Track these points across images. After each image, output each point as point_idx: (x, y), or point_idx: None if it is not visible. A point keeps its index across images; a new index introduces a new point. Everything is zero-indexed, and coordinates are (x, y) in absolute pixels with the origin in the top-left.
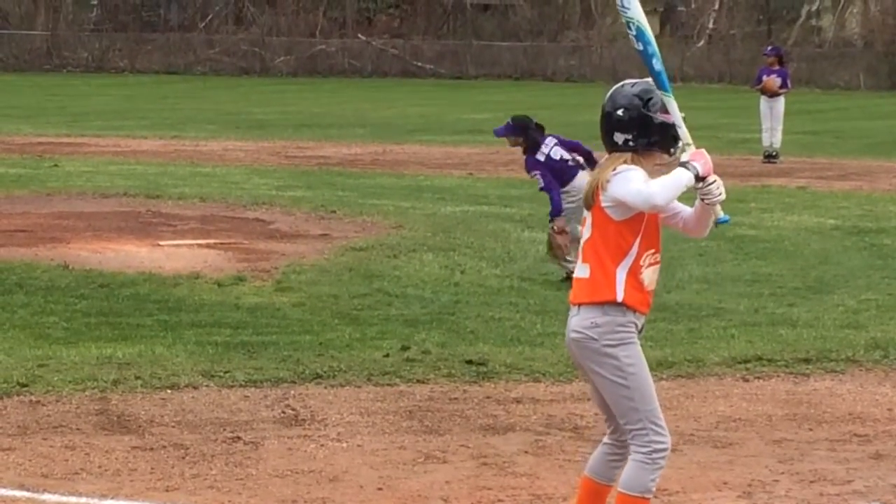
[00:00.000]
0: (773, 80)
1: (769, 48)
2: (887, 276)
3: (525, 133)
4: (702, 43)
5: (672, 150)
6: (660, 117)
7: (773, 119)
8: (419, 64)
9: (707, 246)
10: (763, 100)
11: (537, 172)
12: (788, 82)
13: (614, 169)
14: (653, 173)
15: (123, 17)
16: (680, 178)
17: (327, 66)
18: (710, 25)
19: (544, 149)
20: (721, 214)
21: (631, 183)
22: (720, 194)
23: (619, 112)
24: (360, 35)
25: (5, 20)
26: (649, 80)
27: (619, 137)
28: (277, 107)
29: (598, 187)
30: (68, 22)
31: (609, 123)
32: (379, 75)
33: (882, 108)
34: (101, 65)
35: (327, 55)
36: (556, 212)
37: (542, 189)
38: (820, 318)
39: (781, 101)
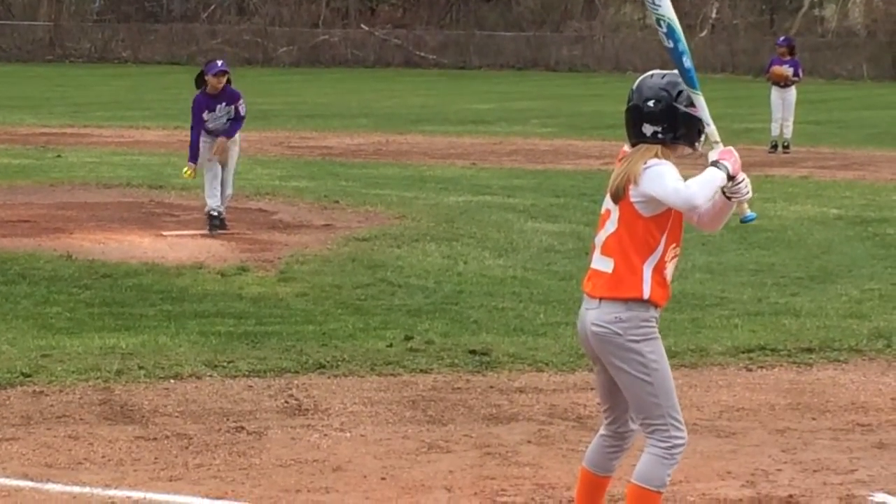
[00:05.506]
0: (784, 69)
1: (781, 39)
2: (890, 265)
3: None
4: (704, 33)
5: (696, 143)
6: (687, 110)
7: (784, 109)
8: (422, 54)
9: (710, 235)
10: (774, 90)
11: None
12: (800, 72)
13: (645, 163)
14: (675, 165)
15: (126, 7)
16: (714, 178)
17: (330, 57)
18: (713, 15)
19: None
20: (747, 212)
21: (666, 181)
22: (748, 192)
23: (650, 104)
24: (362, 25)
25: (8, 11)
26: (676, 71)
27: (648, 129)
28: (280, 97)
29: (629, 181)
30: (71, 13)
31: (638, 115)
32: (382, 65)
33: (885, 98)
34: (104, 55)
35: (330, 45)
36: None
37: (243, 117)
38: (823, 307)
39: (793, 91)
